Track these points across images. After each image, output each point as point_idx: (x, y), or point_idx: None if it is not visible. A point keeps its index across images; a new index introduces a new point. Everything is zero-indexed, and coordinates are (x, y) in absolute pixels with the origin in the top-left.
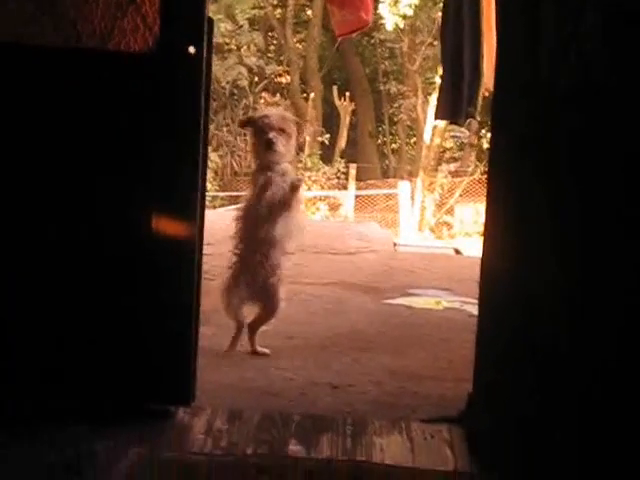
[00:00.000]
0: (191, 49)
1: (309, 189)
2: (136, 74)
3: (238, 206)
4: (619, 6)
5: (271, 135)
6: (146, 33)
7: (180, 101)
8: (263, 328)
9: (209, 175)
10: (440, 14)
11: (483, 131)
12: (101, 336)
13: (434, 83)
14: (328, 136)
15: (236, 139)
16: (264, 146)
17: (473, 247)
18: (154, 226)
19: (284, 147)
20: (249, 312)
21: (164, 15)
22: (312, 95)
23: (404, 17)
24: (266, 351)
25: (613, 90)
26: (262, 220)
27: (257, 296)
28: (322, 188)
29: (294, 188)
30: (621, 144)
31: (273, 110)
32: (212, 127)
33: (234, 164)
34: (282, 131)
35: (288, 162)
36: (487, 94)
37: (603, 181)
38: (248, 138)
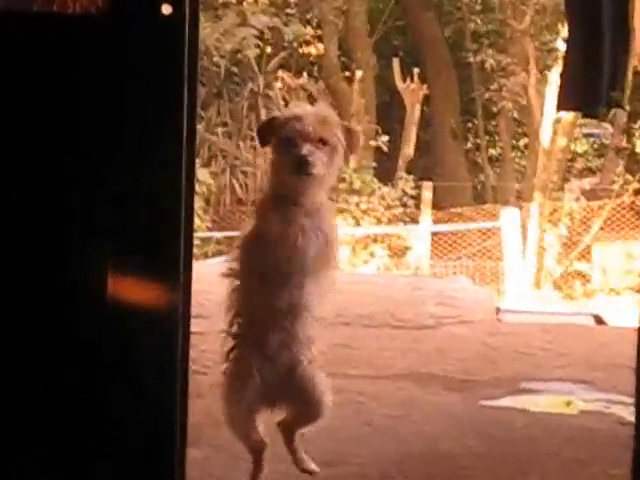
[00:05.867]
0: (165, 8)
1: (357, 224)
2: (76, 46)
3: (227, 258)
4: None
5: (305, 150)
6: None
7: (150, 90)
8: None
9: (197, 205)
10: None
11: (635, 126)
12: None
13: (555, 50)
14: (386, 139)
15: (238, 147)
16: (292, 167)
17: (623, 312)
18: (110, 291)
19: (324, 168)
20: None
21: None
22: (359, 74)
23: None
24: (316, 469)
25: None
26: (281, 283)
27: (285, 395)
28: (378, 222)
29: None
30: None
31: (308, 108)
32: (200, 128)
33: (235, 186)
34: (322, 142)
35: (327, 193)
36: None
37: None
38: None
